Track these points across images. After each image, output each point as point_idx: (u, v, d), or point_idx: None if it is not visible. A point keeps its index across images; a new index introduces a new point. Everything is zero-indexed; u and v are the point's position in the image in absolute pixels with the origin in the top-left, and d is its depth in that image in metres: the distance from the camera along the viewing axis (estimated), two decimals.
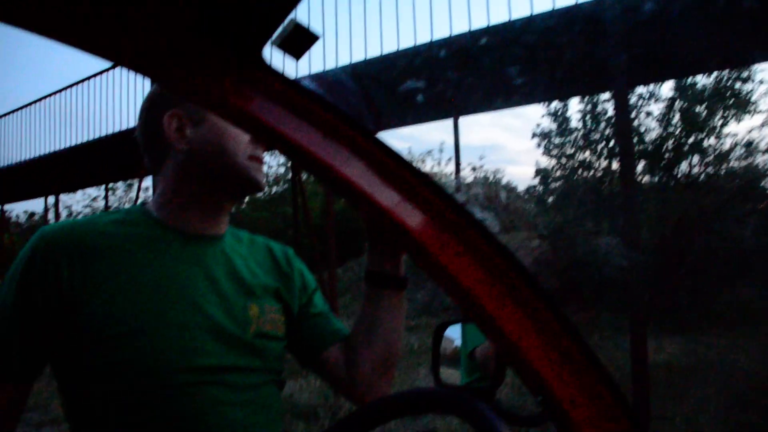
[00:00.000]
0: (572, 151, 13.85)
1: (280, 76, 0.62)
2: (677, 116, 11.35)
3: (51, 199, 15.19)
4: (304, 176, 7.99)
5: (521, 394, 4.88)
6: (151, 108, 1.06)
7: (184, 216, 1.04)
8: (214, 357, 0.96)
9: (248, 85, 0.60)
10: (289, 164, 8.11)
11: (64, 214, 20.69)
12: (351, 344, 1.15)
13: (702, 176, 11.04)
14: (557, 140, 14.04)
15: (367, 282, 1.12)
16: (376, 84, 5.72)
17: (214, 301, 1.00)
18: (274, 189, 21.59)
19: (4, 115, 11.57)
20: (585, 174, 13.32)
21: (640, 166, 11.24)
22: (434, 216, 0.70)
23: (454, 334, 1.13)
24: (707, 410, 4.89)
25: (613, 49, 4.81)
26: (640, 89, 11.18)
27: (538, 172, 15.01)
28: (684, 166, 11.30)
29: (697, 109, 11.08)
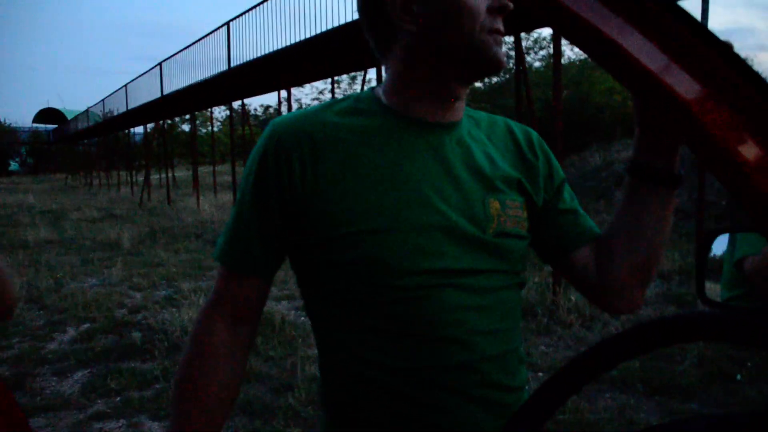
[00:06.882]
0: None
1: None
2: None
3: (283, 93, 16.55)
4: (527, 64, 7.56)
5: None
6: None
7: (416, 104, 0.94)
8: (451, 259, 0.89)
9: None
10: (512, 51, 7.66)
11: (294, 107, 22.53)
12: (606, 246, 1.00)
13: None
14: None
15: (633, 175, 0.95)
16: None
17: (452, 197, 0.91)
18: (495, 79, 21.00)
19: (241, 15, 12.55)
20: None
21: None
22: (729, 98, 0.54)
23: (715, 244, 0.97)
24: None
25: None
26: None
27: None
28: None
29: None
